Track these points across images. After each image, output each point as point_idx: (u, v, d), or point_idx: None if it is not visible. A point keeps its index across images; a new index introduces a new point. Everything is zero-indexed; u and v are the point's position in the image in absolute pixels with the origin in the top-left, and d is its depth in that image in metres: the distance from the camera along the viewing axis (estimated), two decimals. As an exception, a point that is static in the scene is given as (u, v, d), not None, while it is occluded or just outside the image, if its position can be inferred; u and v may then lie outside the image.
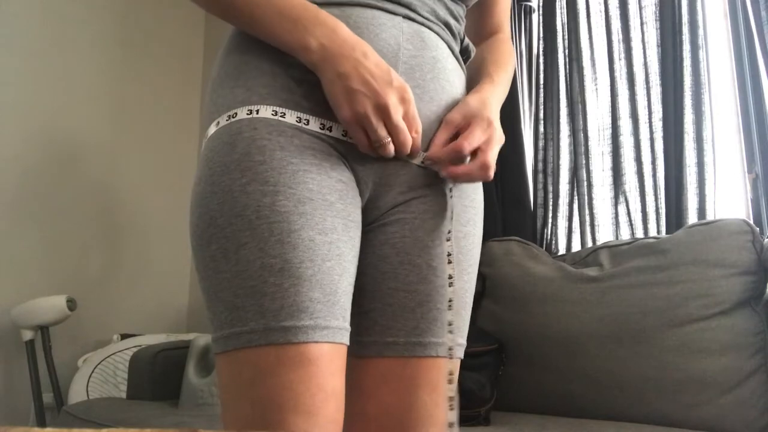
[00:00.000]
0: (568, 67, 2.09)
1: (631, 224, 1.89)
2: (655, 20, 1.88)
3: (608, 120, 1.98)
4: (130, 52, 2.77)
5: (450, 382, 0.74)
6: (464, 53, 0.90)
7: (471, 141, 0.74)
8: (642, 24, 1.92)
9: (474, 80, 0.86)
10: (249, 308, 0.66)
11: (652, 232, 1.83)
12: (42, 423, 2.16)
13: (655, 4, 1.88)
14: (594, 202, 1.97)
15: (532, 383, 1.68)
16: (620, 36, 1.96)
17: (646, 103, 1.88)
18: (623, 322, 1.55)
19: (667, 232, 1.75)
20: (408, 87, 0.72)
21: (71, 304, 2.18)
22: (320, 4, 0.74)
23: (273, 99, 0.72)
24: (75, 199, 2.53)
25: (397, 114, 0.70)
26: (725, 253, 1.48)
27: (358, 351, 0.78)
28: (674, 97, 1.80)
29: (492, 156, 0.76)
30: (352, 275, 0.73)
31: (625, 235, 1.90)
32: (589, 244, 1.95)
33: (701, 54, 1.78)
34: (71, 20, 2.59)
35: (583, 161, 2.00)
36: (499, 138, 0.77)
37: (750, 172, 1.70)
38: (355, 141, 0.73)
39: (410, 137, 0.73)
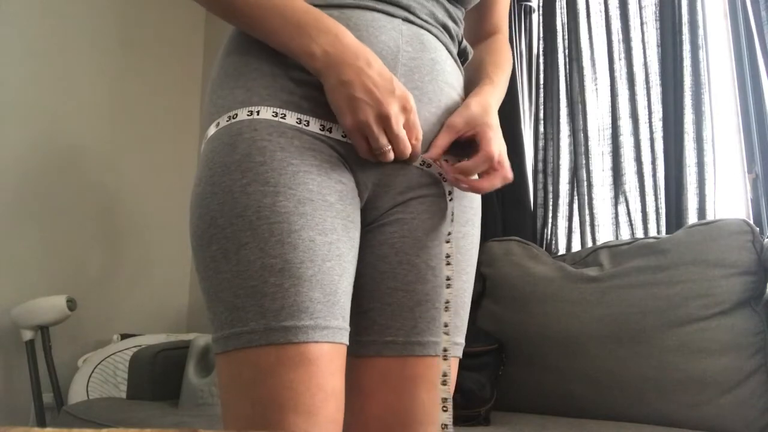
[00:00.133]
0: (568, 67, 2.09)
1: (631, 224, 1.89)
2: (655, 20, 1.88)
3: (608, 120, 1.98)
4: (130, 52, 2.77)
5: (444, 383, 0.74)
6: (462, 55, 0.91)
7: (495, 148, 0.77)
8: (642, 24, 1.92)
9: (473, 81, 0.86)
10: (249, 308, 0.66)
11: (652, 232, 1.83)
12: (42, 423, 2.16)
13: (655, 4, 1.88)
14: (594, 202, 1.97)
15: (532, 383, 1.68)
16: (620, 36, 1.96)
17: (646, 103, 1.88)
18: (623, 322, 1.55)
19: (667, 232, 1.76)
20: (410, 96, 0.72)
21: (71, 304, 2.19)
22: (320, 6, 0.74)
23: (273, 100, 0.73)
24: (75, 199, 2.53)
25: (398, 124, 0.71)
26: (725, 253, 1.48)
27: (358, 350, 0.78)
28: (674, 97, 1.80)
29: (508, 162, 0.79)
30: (352, 275, 0.73)
31: (625, 235, 1.90)
32: (589, 244, 1.95)
33: (701, 54, 1.78)
34: (71, 20, 2.59)
35: (583, 161, 2.00)
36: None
37: (750, 172, 1.70)
38: (355, 147, 0.73)
39: (410, 146, 0.73)
